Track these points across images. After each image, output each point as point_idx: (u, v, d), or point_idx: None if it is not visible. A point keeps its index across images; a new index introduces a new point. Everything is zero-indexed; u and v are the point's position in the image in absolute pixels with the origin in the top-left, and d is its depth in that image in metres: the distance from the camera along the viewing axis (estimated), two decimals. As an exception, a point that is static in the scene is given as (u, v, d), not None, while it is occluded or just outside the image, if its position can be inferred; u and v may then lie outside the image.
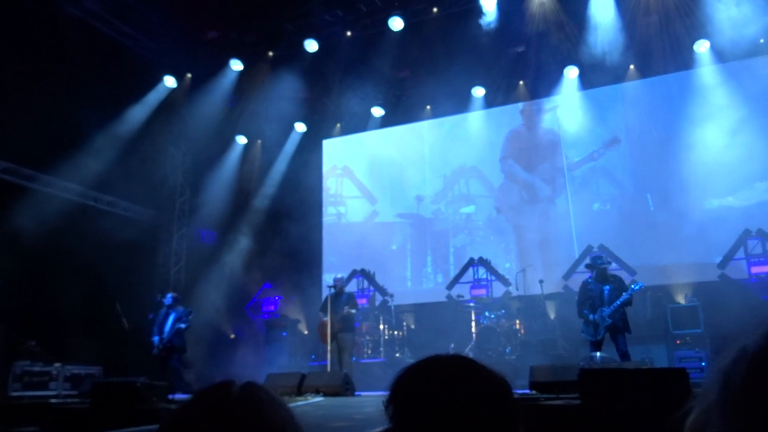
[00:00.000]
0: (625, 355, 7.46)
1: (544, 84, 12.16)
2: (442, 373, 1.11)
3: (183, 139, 13.50)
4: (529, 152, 12.39)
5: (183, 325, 9.20)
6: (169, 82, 12.56)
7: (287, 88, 12.33)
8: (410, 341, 11.35)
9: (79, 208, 11.24)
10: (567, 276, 11.08)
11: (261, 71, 12.48)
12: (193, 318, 9.60)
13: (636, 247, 10.70)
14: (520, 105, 12.64)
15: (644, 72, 11.54)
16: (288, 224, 12.70)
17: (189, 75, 12.87)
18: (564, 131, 12.14)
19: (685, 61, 11.18)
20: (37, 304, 9.87)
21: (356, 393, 7.69)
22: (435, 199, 12.96)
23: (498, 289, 11.38)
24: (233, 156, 13.80)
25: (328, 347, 8.96)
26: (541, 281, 10.39)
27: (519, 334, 10.45)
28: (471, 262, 11.72)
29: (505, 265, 11.75)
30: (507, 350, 9.99)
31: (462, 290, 11.44)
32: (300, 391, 7.55)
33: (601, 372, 4.84)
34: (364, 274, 12.34)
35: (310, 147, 13.95)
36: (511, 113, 12.76)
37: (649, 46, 11.06)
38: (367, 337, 11.25)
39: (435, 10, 11.22)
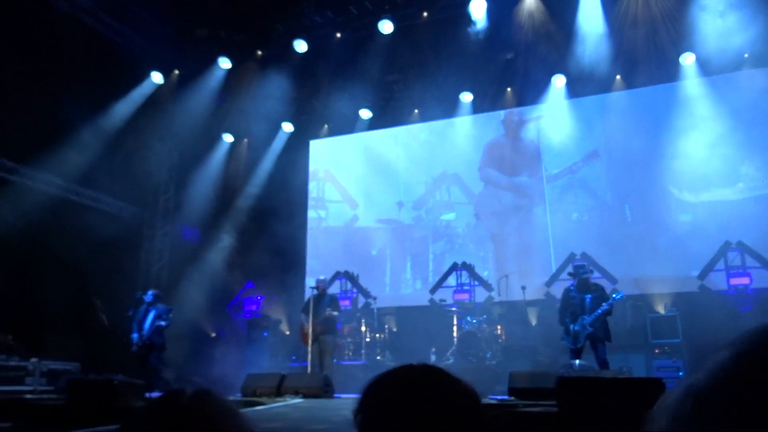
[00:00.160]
0: (604, 364, 7.53)
1: (531, 91, 12.25)
2: (412, 384, 1.11)
3: (169, 136, 13.40)
4: (509, 162, 12.48)
5: (163, 323, 9.13)
6: (157, 78, 12.47)
7: (275, 87, 12.30)
8: (392, 344, 11.35)
9: (62, 203, 11.11)
10: (549, 283, 11.16)
11: (249, 70, 12.44)
12: (174, 316, 9.53)
13: (616, 257, 10.82)
14: (502, 114, 12.71)
15: (630, 83, 11.66)
16: (272, 224, 12.65)
17: (177, 72, 12.80)
18: (544, 142, 12.24)
19: (670, 73, 11.33)
20: (15, 298, 9.74)
21: (336, 395, 7.68)
22: (416, 205, 12.99)
23: (480, 295, 11.42)
24: (219, 154, 13.72)
25: (309, 349, 8.93)
26: (523, 287, 10.45)
27: (500, 340, 10.50)
28: (454, 267, 11.75)
29: (483, 273, 11.81)
30: (488, 355, 10.02)
31: (445, 294, 11.47)
32: (279, 391, 7.51)
33: (579, 380, 4.87)
34: (348, 276, 12.33)
35: (297, 147, 13.92)
36: (497, 122, 12.84)
37: (636, 57, 11.19)
38: (349, 339, 11.23)
39: (425, 14, 11.27)
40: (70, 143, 10.65)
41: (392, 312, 12.10)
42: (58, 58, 10.08)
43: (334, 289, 11.72)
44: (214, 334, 12.73)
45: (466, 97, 12.65)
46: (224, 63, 12.40)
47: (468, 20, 10.96)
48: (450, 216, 12.80)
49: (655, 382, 4.31)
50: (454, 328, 10.72)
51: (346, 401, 6.97)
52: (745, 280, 9.86)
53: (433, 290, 11.89)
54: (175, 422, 0.83)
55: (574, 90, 11.93)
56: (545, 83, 12.04)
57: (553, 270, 11.31)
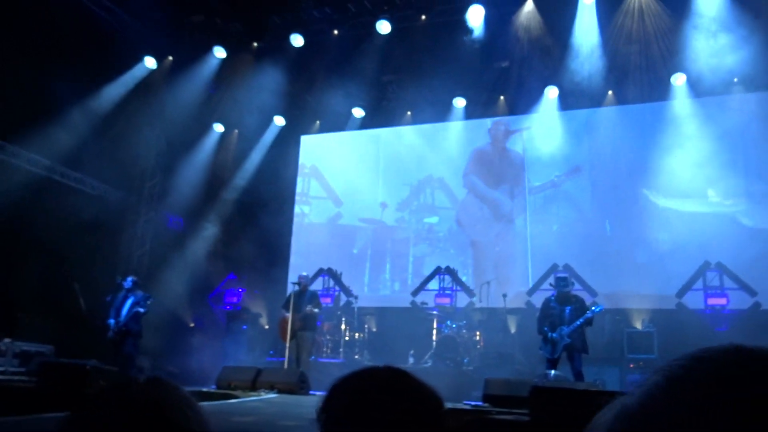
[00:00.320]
0: (579, 375, 7.60)
1: (524, 101, 12.32)
2: (377, 387, 1.11)
3: (159, 122, 13.29)
4: (493, 171, 12.55)
5: (141, 310, 9.06)
6: (150, 63, 12.37)
7: (269, 80, 12.25)
8: (371, 344, 11.35)
9: (45, 183, 10.98)
10: (531, 292, 11.22)
11: (244, 61, 12.37)
12: (153, 304, 9.46)
13: (595, 270, 10.91)
14: (489, 123, 12.78)
15: (622, 99, 11.77)
16: (258, 217, 12.60)
17: (170, 58, 12.69)
18: (529, 154, 12.32)
19: (661, 91, 11.45)
20: (-8, 276, 9.61)
21: (311, 392, 7.67)
22: (400, 207, 13.01)
23: (462, 300, 11.46)
24: (209, 143, 13.63)
25: (287, 344, 8.91)
26: (504, 295, 10.50)
27: (478, 346, 10.55)
28: (437, 271, 11.78)
29: (462, 279, 11.86)
30: (465, 360, 10.05)
31: (426, 297, 11.50)
32: (254, 385, 7.49)
33: (553, 390, 4.91)
34: (331, 273, 12.32)
35: (288, 142, 13.87)
36: (485, 129, 12.91)
37: (628, 73, 11.30)
38: (328, 337, 11.21)
39: (423, 17, 11.28)
40: (58, 123, 10.52)
41: (373, 312, 12.10)
42: (51, 36, 9.96)
43: (317, 285, 11.70)
44: (192, 324, 12.65)
45: (459, 102, 12.69)
46: (219, 52, 12.32)
47: (465, 26, 10.99)
48: (433, 219, 12.84)
49: (627, 397, 4.34)
50: (434, 332, 10.76)
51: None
52: (722, 301, 9.98)
53: (415, 293, 11.90)
54: (124, 409, 0.82)
55: (566, 102, 12.01)
56: (538, 94, 12.11)
57: (530, 280, 11.40)
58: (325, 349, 11.13)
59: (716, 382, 0.42)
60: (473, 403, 6.76)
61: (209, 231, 12.95)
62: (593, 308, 7.77)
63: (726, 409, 0.40)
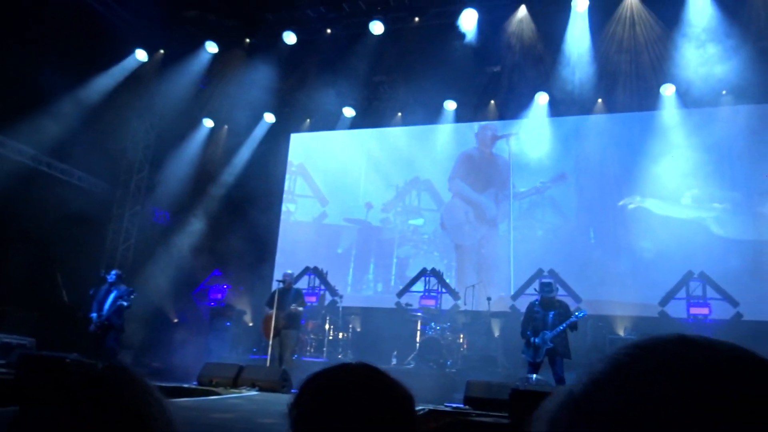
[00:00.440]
0: (560, 381, 7.63)
1: (514, 106, 12.38)
2: (349, 383, 1.12)
3: (148, 115, 13.22)
4: (479, 175, 12.60)
5: (125, 303, 8.99)
6: (141, 55, 12.30)
7: (261, 77, 12.22)
8: (354, 344, 11.34)
9: (31, 173, 10.88)
10: (515, 296, 11.27)
11: (236, 57, 12.33)
12: (136, 298, 9.39)
13: (578, 276, 10.96)
14: (476, 128, 12.83)
15: (611, 107, 11.86)
16: (245, 214, 12.56)
17: (162, 51, 12.62)
18: (515, 160, 12.38)
19: (650, 101, 11.55)
20: (-28, 266, 9.50)
21: (293, 390, 7.62)
22: (385, 208, 13.02)
23: (447, 302, 11.48)
24: (198, 138, 13.57)
25: (270, 342, 8.88)
26: (488, 299, 10.54)
27: (462, 348, 10.57)
28: (423, 272, 11.80)
29: (446, 281, 11.89)
30: (448, 363, 10.07)
31: (411, 299, 11.51)
32: (236, 383, 7.47)
33: (532, 393, 4.93)
34: (316, 272, 12.30)
35: (277, 139, 13.83)
36: (473, 134, 12.95)
37: (618, 82, 11.39)
38: (312, 336, 11.19)
39: (416, 19, 11.31)
40: (46, 113, 10.42)
41: (358, 312, 12.09)
42: (40, 24, 9.87)
43: (302, 284, 11.68)
44: (176, 320, 12.58)
45: (450, 105, 12.72)
46: (211, 47, 12.28)
47: (458, 30, 11.02)
48: (418, 221, 12.87)
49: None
50: (418, 333, 10.77)
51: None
52: (704, 311, 10.07)
53: (400, 294, 11.92)
54: (83, 396, 0.81)
55: (556, 109, 12.08)
56: (528, 99, 12.18)
57: (513, 285, 11.47)
58: (308, 348, 11.11)
59: (661, 371, 0.43)
60: (454, 405, 6.77)
61: (195, 226, 12.88)
62: (577, 313, 7.81)
63: (669, 398, 0.41)
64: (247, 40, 12.35)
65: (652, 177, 11.15)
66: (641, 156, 11.30)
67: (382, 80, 12.77)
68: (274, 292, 9.25)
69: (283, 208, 13.68)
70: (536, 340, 7.75)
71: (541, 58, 11.36)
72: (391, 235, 12.91)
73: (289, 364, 8.73)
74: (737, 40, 10.00)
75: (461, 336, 10.68)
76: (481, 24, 11.02)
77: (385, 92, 12.99)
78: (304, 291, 10.18)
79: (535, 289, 8.60)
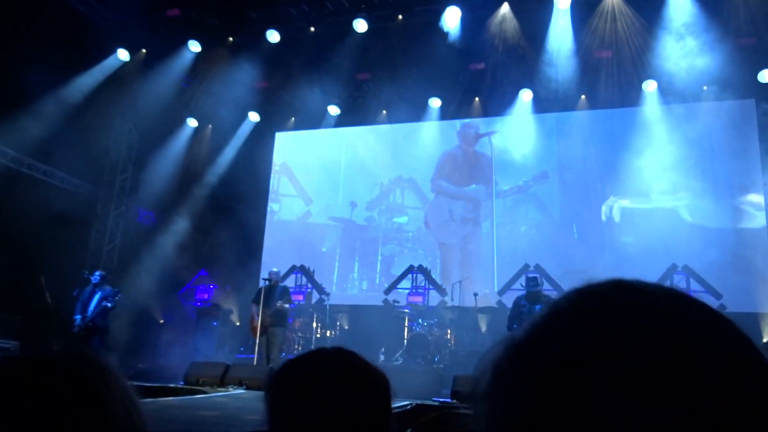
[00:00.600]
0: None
1: (498, 103, 12.43)
2: (323, 367, 1.13)
3: (131, 114, 13.11)
4: (462, 173, 12.66)
5: (109, 305, 8.92)
6: (122, 55, 12.19)
7: (244, 75, 12.17)
8: (342, 341, 11.33)
9: (12, 174, 10.76)
10: (502, 292, 11.34)
11: (219, 55, 12.25)
12: (122, 299, 9.33)
13: (561, 273, 11.01)
14: (458, 126, 12.87)
15: (594, 104, 11.96)
16: (231, 214, 12.51)
17: (144, 50, 12.52)
18: (498, 157, 12.45)
19: (632, 97, 11.66)
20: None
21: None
22: (369, 206, 13.04)
23: (434, 299, 11.52)
24: (182, 138, 13.48)
25: (257, 340, 8.86)
26: (475, 294, 10.59)
27: (449, 344, 10.61)
28: (410, 269, 11.83)
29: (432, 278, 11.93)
30: (436, 359, 10.11)
31: (398, 296, 11.53)
32: (223, 381, 7.45)
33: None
34: (303, 270, 12.28)
35: (262, 138, 13.78)
36: (456, 131, 13.00)
37: (600, 79, 11.48)
38: (299, 334, 11.17)
39: (400, 17, 11.31)
40: (26, 113, 10.31)
41: (345, 310, 12.10)
42: (21, 23, 9.75)
43: (289, 282, 11.65)
44: (162, 321, 12.50)
45: (435, 103, 12.76)
46: (194, 46, 12.20)
47: (442, 28, 11.05)
48: (402, 219, 12.90)
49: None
50: (405, 330, 10.79)
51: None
52: (687, 303, 10.17)
53: (387, 291, 11.93)
54: (40, 380, 0.80)
55: (539, 106, 12.16)
56: (512, 96, 12.25)
57: (497, 282, 11.54)
58: (296, 346, 11.09)
59: (597, 312, 0.45)
60: (441, 399, 6.81)
61: (181, 226, 12.81)
62: (562, 307, 7.86)
63: (604, 336, 0.42)
64: (230, 39, 12.28)
65: (634, 172, 11.28)
66: (624, 152, 11.43)
67: (366, 78, 12.76)
68: (260, 289, 9.23)
69: (268, 207, 13.64)
70: (522, 333, 7.81)
71: (525, 55, 11.42)
72: (376, 234, 12.93)
73: (277, 362, 8.71)
74: (717, 36, 10.12)
75: (449, 332, 10.72)
76: (465, 21, 11.05)
77: (370, 90, 12.98)
78: (291, 289, 10.17)
79: (522, 285, 8.67)
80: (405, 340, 10.55)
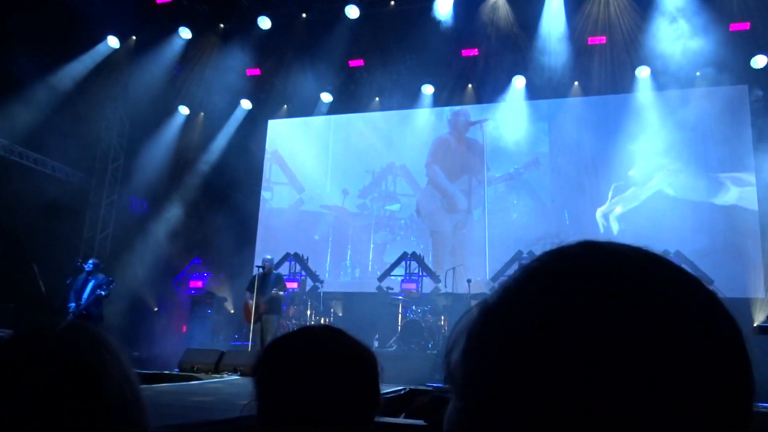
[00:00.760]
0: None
1: (491, 90, 12.39)
2: (309, 347, 1.14)
3: (121, 102, 13.02)
4: (453, 161, 12.66)
5: (104, 293, 8.91)
6: (113, 42, 12.08)
7: (236, 63, 12.09)
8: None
9: (2, 163, 10.68)
10: (495, 278, 11.39)
11: (210, 42, 12.17)
12: (115, 288, 9.32)
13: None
14: (448, 113, 12.85)
15: (587, 90, 11.94)
16: (224, 202, 12.48)
17: (134, 38, 12.41)
18: (489, 145, 12.44)
19: (625, 84, 11.65)
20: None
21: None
22: (361, 194, 13.03)
23: (428, 285, 11.56)
24: (174, 126, 13.39)
25: (251, 327, 8.88)
26: (468, 280, 10.63)
27: (443, 330, 10.66)
28: (404, 256, 11.86)
29: (426, 265, 11.96)
30: (429, 345, 10.16)
31: (392, 283, 11.57)
32: (217, 368, 7.48)
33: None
34: (297, 258, 12.29)
35: (255, 126, 13.71)
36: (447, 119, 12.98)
37: (594, 65, 11.47)
38: (294, 321, 11.19)
39: (392, 3, 11.26)
40: (16, 100, 10.22)
41: (339, 297, 12.13)
42: (11, 10, 9.64)
43: (283, 270, 11.66)
44: (156, 309, 12.50)
45: (428, 90, 12.72)
46: (185, 33, 12.10)
47: (434, 14, 10.99)
48: (394, 207, 12.91)
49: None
50: (399, 317, 10.83)
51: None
52: (678, 289, 10.24)
53: (381, 278, 11.97)
54: (41, 354, 0.81)
55: (532, 92, 12.14)
56: (505, 83, 12.21)
57: (488, 269, 11.59)
58: (290, 334, 11.12)
59: (565, 273, 0.45)
60: (435, 384, 6.86)
61: (174, 214, 12.77)
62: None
63: (574, 296, 0.43)
64: (221, 26, 12.19)
65: (626, 158, 11.32)
66: (616, 138, 11.45)
67: (359, 65, 12.69)
68: (254, 277, 9.24)
69: (261, 195, 13.61)
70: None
71: (518, 42, 11.39)
72: (368, 221, 12.93)
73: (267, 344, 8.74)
74: (710, 21, 10.12)
75: (442, 318, 10.77)
76: (457, 7, 11.01)
77: (362, 77, 12.92)
78: (285, 277, 10.18)
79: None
80: (399, 327, 10.59)
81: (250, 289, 9.13)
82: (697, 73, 11.03)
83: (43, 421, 0.77)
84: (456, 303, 11.13)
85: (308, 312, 11.22)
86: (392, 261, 12.06)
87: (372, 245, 12.78)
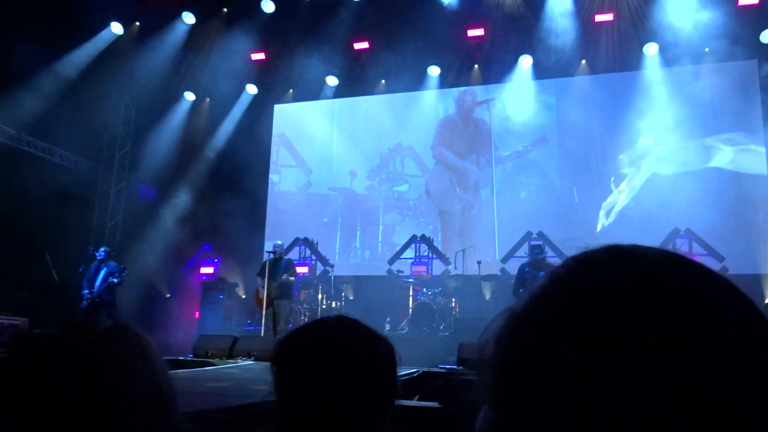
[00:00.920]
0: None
1: (497, 70, 12.28)
2: (327, 336, 1.14)
3: (126, 89, 12.98)
4: (461, 141, 12.60)
5: (116, 280, 9.00)
6: (116, 28, 12.01)
7: (240, 47, 12.00)
8: (347, 312, 11.39)
9: (11, 152, 10.71)
10: (505, 259, 11.39)
11: (214, 27, 12.09)
12: (127, 275, 9.39)
13: (562, 239, 11.01)
14: (455, 93, 12.76)
15: (594, 68, 11.82)
16: (233, 187, 12.48)
17: (137, 24, 12.34)
18: (496, 124, 12.36)
19: (633, 61, 11.52)
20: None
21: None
22: (370, 175, 13.01)
23: (438, 268, 11.59)
24: (180, 112, 13.36)
25: (263, 312, 8.94)
26: (479, 262, 10.63)
27: (454, 312, 10.70)
28: (413, 239, 11.87)
29: (435, 247, 11.97)
30: (441, 327, 10.20)
31: (401, 266, 11.59)
32: (231, 353, 7.54)
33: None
34: (307, 242, 12.32)
35: (261, 110, 13.65)
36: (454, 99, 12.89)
37: (602, 43, 11.34)
38: (305, 306, 11.26)
39: (398, -17, 11.12)
40: (22, 89, 10.21)
41: (350, 281, 12.18)
42: None
43: (293, 255, 11.70)
44: (168, 295, 12.60)
45: (434, 71, 12.61)
46: (188, 18, 12.01)
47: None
48: (403, 188, 12.89)
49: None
50: (410, 299, 10.88)
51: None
52: (690, 267, 10.22)
53: (391, 261, 11.99)
54: (84, 350, 0.82)
55: (539, 72, 12.02)
56: (512, 63, 12.09)
57: (497, 250, 11.59)
58: (302, 318, 11.17)
59: (594, 282, 0.44)
60: (448, 366, 6.90)
61: (183, 201, 12.79)
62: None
63: (602, 307, 0.42)
64: (225, 10, 12.09)
65: (635, 134, 11.24)
66: (624, 115, 11.35)
67: (364, 47, 12.57)
68: (265, 262, 9.28)
69: (269, 179, 13.61)
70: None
71: (524, 21, 11.26)
72: (376, 203, 12.93)
73: (284, 334, 8.79)
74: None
75: (453, 300, 10.81)
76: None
77: (368, 60, 12.81)
78: (295, 261, 10.22)
79: (525, 252, 8.74)
80: (410, 310, 10.64)
81: (261, 274, 9.18)
82: (706, 49, 10.89)
83: (44, 421, 0.77)
84: (466, 285, 11.16)
85: (319, 296, 11.28)
86: (402, 242, 12.07)
87: (381, 227, 12.80)
